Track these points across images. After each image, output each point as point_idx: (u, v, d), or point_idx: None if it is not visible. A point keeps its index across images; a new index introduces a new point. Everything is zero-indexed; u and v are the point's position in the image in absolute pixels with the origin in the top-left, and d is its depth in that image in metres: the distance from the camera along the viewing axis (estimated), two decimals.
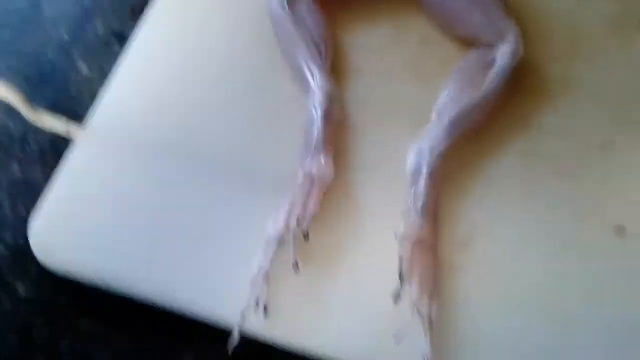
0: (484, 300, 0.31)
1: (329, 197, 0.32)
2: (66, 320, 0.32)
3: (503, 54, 0.35)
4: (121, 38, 0.42)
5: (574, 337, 0.30)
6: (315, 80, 0.35)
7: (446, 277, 0.31)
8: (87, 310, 0.33)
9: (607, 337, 0.30)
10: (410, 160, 0.33)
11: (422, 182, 0.32)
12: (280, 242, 0.31)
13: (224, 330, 0.31)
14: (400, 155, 0.33)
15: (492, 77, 0.35)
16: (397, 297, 0.29)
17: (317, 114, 0.34)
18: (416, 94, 0.37)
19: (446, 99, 0.35)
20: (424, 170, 0.32)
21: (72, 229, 0.33)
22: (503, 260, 0.32)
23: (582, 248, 0.32)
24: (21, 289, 0.33)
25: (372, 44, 0.40)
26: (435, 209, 0.32)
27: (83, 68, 0.42)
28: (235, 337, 0.29)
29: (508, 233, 0.33)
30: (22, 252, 0.34)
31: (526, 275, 0.32)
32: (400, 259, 0.30)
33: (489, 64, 0.36)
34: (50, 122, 0.37)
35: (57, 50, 0.42)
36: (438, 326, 0.29)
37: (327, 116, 0.34)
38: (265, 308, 0.30)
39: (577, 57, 0.39)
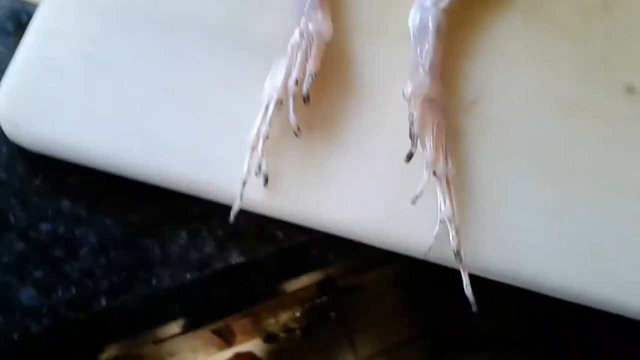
0: (491, 163, 0.30)
1: (328, 59, 0.30)
2: (45, 202, 0.29)
3: None
4: None
5: (580, 197, 0.30)
6: None
7: (455, 140, 0.30)
8: (67, 190, 0.30)
9: (612, 198, 0.30)
10: (414, 16, 0.30)
11: (429, 38, 0.29)
12: (279, 104, 0.28)
13: (221, 205, 0.29)
14: (401, 11, 0.31)
15: None
16: (409, 157, 0.27)
17: None
18: None
19: None
20: (430, 26, 0.30)
21: (43, 99, 0.29)
22: (509, 119, 0.31)
23: (591, 108, 0.31)
24: None
25: None
26: (442, 68, 0.30)
27: None
28: (236, 206, 0.27)
29: (515, 94, 0.31)
30: None
31: (534, 136, 0.31)
32: (411, 118, 0.28)
33: None
34: None
35: None
36: (455, 186, 0.28)
37: None
38: (265, 177, 0.28)
39: None
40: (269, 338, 0.91)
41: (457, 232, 0.27)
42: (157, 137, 0.29)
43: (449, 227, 0.27)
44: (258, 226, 0.30)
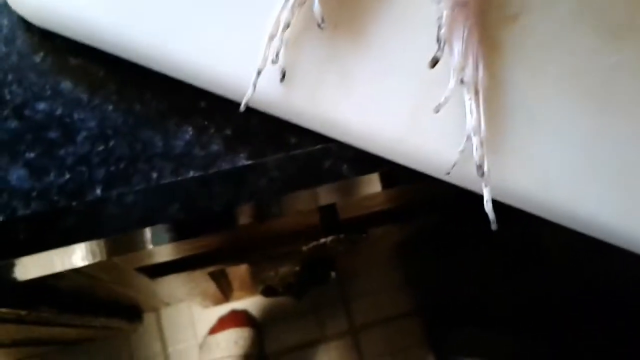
0: (528, 82, 0.27)
1: None
2: (44, 81, 0.27)
3: None
4: None
5: (620, 128, 0.27)
6: None
7: (490, 53, 0.27)
8: (69, 71, 0.27)
9: None
10: None
11: None
12: None
13: (232, 103, 0.27)
14: None
15: None
16: (434, 62, 0.25)
17: None
18: None
19: None
20: None
21: None
22: (552, 40, 0.28)
23: (637, 33, 0.29)
24: None
25: None
26: None
27: None
28: (248, 94, 0.25)
29: (560, 12, 0.29)
30: None
31: (576, 59, 0.28)
32: (439, 21, 0.25)
33: None
34: None
35: None
36: (486, 100, 0.25)
37: None
38: (282, 71, 0.26)
39: None
40: (267, 290, 0.90)
41: (481, 145, 0.25)
42: (169, 20, 0.26)
43: (473, 139, 0.25)
44: (270, 130, 0.28)
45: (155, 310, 1.26)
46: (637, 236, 0.26)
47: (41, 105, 0.27)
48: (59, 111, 0.27)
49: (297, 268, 0.81)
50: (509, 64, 0.27)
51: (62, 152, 0.26)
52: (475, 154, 0.25)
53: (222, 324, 1.24)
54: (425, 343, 1.32)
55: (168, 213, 0.27)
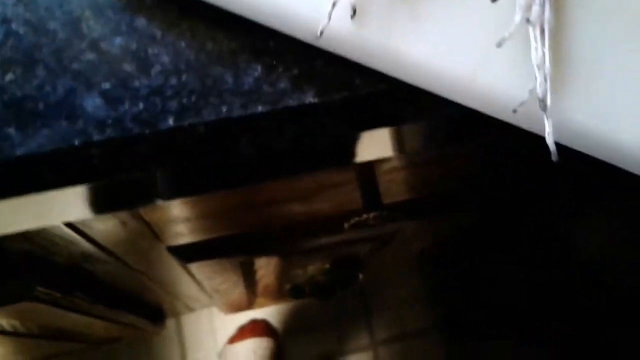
0: (595, 22, 0.28)
1: None
2: (120, 17, 0.28)
3: None
4: None
5: None
6: None
7: None
8: (144, 8, 0.28)
9: None
10: None
11: None
12: None
13: (300, 43, 0.27)
14: None
15: None
16: None
17: None
18: None
19: None
20: None
21: None
22: None
23: None
24: None
25: None
26: None
27: None
28: (323, 25, 0.26)
29: None
30: None
31: None
32: None
33: None
34: None
35: None
36: (551, 35, 0.26)
37: None
38: (353, 7, 0.26)
39: None
40: (294, 290, 0.90)
41: (545, 80, 0.25)
42: None
43: (537, 74, 0.25)
44: (335, 71, 0.28)
45: (177, 315, 1.26)
46: None
47: (117, 40, 0.28)
48: (133, 46, 0.28)
49: (327, 265, 0.81)
50: (576, 4, 0.28)
51: (136, 83, 0.27)
52: (539, 89, 0.25)
53: (242, 333, 1.23)
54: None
55: (237, 147, 0.27)
